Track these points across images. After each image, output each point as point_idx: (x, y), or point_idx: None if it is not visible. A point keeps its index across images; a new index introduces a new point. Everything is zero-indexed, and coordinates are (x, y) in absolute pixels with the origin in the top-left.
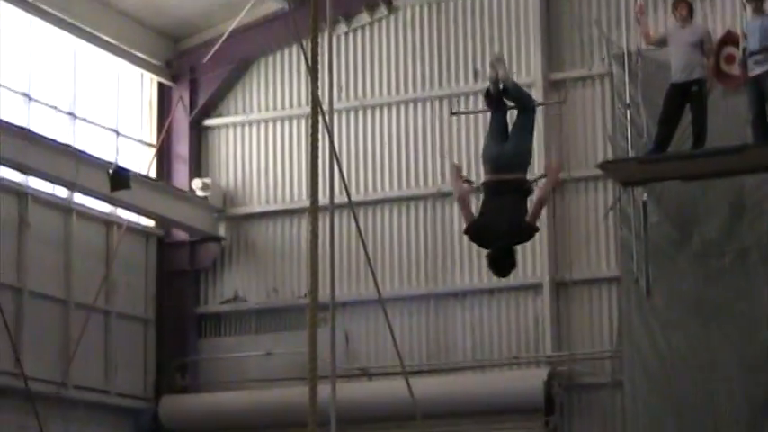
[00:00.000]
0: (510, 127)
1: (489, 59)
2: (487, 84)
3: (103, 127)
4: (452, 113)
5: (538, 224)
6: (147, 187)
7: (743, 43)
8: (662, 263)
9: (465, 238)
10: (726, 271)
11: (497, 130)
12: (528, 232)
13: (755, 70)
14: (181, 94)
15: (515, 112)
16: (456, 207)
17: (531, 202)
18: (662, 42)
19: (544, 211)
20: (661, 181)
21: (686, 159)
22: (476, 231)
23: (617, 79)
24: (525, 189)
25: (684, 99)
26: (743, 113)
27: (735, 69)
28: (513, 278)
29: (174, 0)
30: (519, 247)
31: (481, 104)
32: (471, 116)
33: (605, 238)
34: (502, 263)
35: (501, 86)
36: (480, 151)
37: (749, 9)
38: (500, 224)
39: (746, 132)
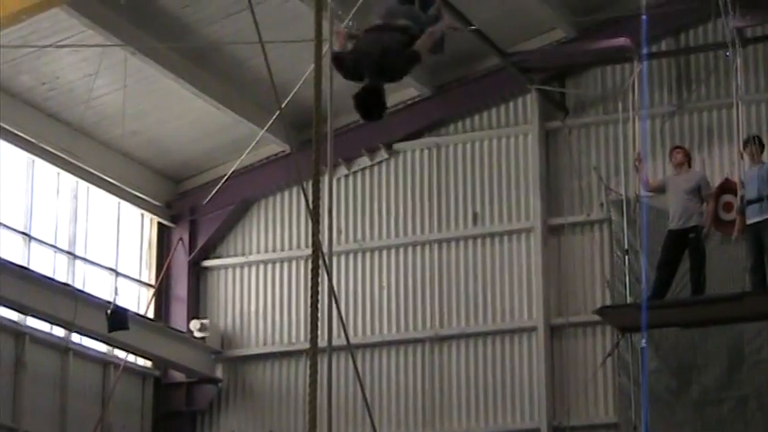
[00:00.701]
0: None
1: None
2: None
3: (103, 266)
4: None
5: (422, 54)
6: (145, 328)
7: (740, 191)
8: (660, 410)
9: (463, 382)
10: (724, 420)
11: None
12: (409, 58)
13: (753, 218)
14: (181, 235)
15: None
16: (453, 351)
17: None
18: (661, 189)
19: (537, 360)
20: (659, 327)
21: (685, 306)
22: (348, 60)
23: (615, 225)
24: (410, 34)
25: (682, 246)
26: (741, 261)
27: (733, 217)
28: (512, 423)
29: (175, 142)
30: (518, 392)
31: (479, 247)
32: (470, 261)
33: (603, 385)
34: (370, 102)
35: None
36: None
37: (746, 157)
38: (375, 49)
39: (745, 280)
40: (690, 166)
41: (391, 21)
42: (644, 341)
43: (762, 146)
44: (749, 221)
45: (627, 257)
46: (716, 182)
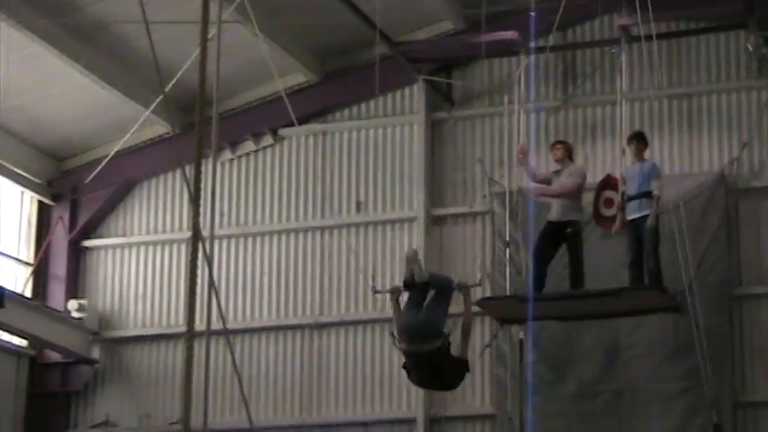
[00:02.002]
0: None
1: (406, 256)
2: (404, 280)
3: None
4: (375, 292)
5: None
6: (22, 306)
7: (622, 187)
8: (536, 402)
9: (341, 370)
10: (599, 413)
11: (415, 303)
12: (459, 371)
13: (633, 214)
14: (61, 214)
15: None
16: (332, 338)
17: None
18: (547, 181)
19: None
20: (538, 320)
21: (564, 300)
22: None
23: (497, 217)
24: (443, 349)
25: (560, 239)
26: (621, 257)
27: (613, 213)
28: (389, 412)
29: (58, 119)
30: (396, 382)
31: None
32: (352, 251)
33: (481, 375)
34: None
35: (420, 281)
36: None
37: (629, 154)
38: (430, 383)
39: (624, 276)
40: (571, 160)
41: (417, 344)
42: (521, 334)
43: (644, 143)
44: (629, 217)
45: (508, 249)
46: (598, 178)
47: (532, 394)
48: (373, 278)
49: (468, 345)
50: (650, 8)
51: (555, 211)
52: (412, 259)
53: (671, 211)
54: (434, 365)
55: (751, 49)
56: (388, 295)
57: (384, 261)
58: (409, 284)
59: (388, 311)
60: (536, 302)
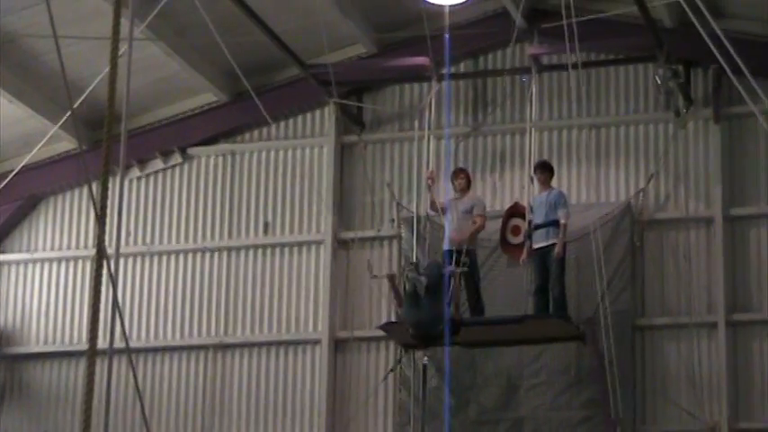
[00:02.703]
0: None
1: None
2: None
3: None
4: (372, 277)
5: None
6: None
7: (529, 216)
8: (437, 428)
9: (244, 391)
10: None
11: (412, 296)
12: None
13: (539, 243)
14: None
15: None
16: (237, 360)
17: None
18: (444, 210)
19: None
20: (440, 346)
21: (467, 326)
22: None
23: (405, 242)
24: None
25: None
26: (526, 284)
27: (520, 240)
28: None
29: None
30: (299, 404)
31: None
32: (258, 270)
33: (384, 400)
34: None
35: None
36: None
37: (536, 182)
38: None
39: (528, 303)
40: (469, 189)
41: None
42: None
43: (551, 172)
44: (535, 246)
45: None
46: (505, 205)
47: (432, 419)
48: (370, 263)
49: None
50: (564, 38)
51: (450, 240)
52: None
53: (578, 240)
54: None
55: (659, 81)
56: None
57: (290, 284)
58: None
59: (294, 333)
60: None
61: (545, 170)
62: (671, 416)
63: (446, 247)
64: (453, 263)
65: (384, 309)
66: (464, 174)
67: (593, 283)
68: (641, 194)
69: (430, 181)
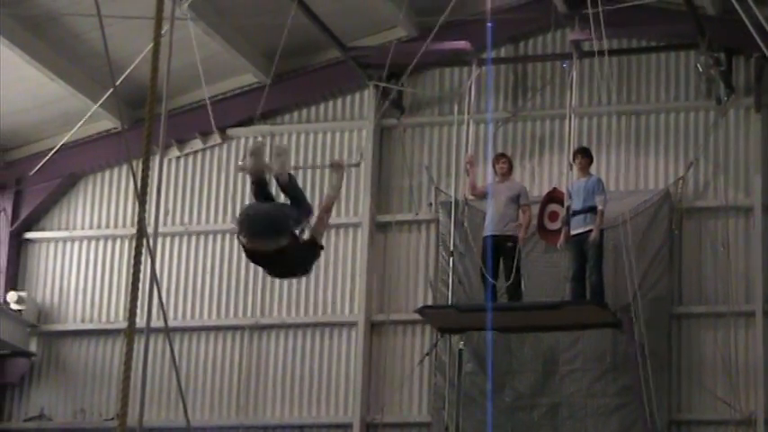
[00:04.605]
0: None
1: (251, 150)
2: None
3: None
4: (241, 170)
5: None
6: None
7: (567, 202)
8: (472, 412)
9: (279, 372)
10: (534, 425)
11: (265, 197)
12: (310, 256)
13: (577, 229)
14: (4, 206)
15: None
16: (272, 341)
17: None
18: (483, 195)
19: (355, 355)
20: (478, 330)
21: (503, 311)
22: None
23: (442, 226)
24: (290, 247)
25: (498, 252)
26: (563, 270)
27: (558, 226)
28: (326, 416)
29: (4, 110)
30: (334, 386)
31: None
32: None
33: (419, 383)
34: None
35: (282, 182)
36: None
37: (575, 169)
38: (279, 275)
39: (565, 289)
40: (511, 175)
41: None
42: (461, 344)
43: (590, 158)
44: (573, 232)
45: (452, 259)
46: (544, 191)
47: (467, 404)
48: (242, 160)
49: (323, 225)
50: (603, 24)
51: (492, 224)
52: (258, 153)
53: (616, 227)
54: (282, 262)
55: (701, 69)
56: None
57: (327, 266)
58: (259, 183)
59: (330, 316)
60: (476, 313)
61: (584, 156)
62: (706, 405)
63: (488, 232)
64: (490, 247)
65: (420, 293)
66: (506, 159)
67: (630, 269)
68: (680, 182)
69: (468, 165)
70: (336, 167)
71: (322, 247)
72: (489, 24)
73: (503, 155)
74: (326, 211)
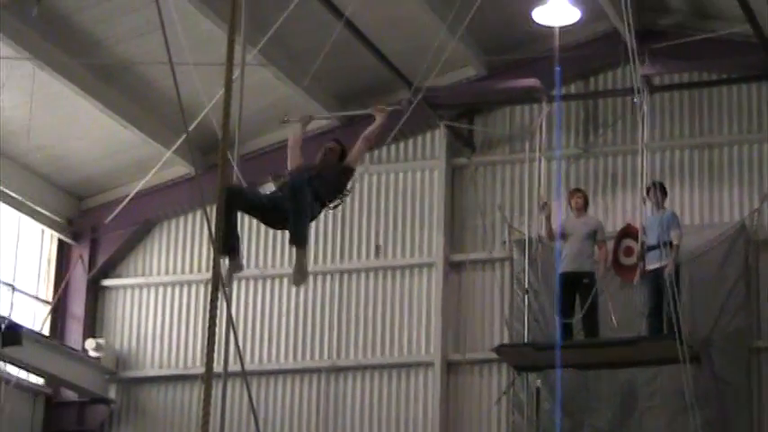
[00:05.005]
0: None
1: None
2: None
3: None
4: (283, 122)
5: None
6: (40, 345)
7: (642, 237)
8: None
9: (357, 414)
10: None
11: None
12: (345, 177)
13: (653, 264)
14: (81, 253)
15: None
16: (349, 382)
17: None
18: (562, 236)
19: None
20: (555, 368)
21: (580, 348)
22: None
23: (516, 264)
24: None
25: (576, 288)
26: (639, 306)
27: (633, 262)
28: None
29: (80, 158)
30: (412, 427)
31: (380, 280)
32: (370, 293)
33: (497, 423)
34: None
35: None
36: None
37: (649, 204)
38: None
39: (642, 325)
40: (586, 209)
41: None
42: (538, 382)
43: (664, 193)
44: (649, 267)
45: (526, 297)
46: (618, 226)
47: None
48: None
49: (360, 154)
50: (675, 58)
51: (570, 261)
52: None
53: (692, 261)
54: (322, 184)
55: None
56: None
57: (402, 307)
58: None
59: (406, 356)
60: (553, 351)
61: (659, 191)
62: None
63: (565, 268)
64: (567, 284)
65: (496, 331)
66: (581, 193)
67: (707, 303)
68: (756, 214)
69: (544, 208)
70: (380, 111)
71: (353, 171)
72: (557, 64)
73: (578, 189)
74: (365, 141)
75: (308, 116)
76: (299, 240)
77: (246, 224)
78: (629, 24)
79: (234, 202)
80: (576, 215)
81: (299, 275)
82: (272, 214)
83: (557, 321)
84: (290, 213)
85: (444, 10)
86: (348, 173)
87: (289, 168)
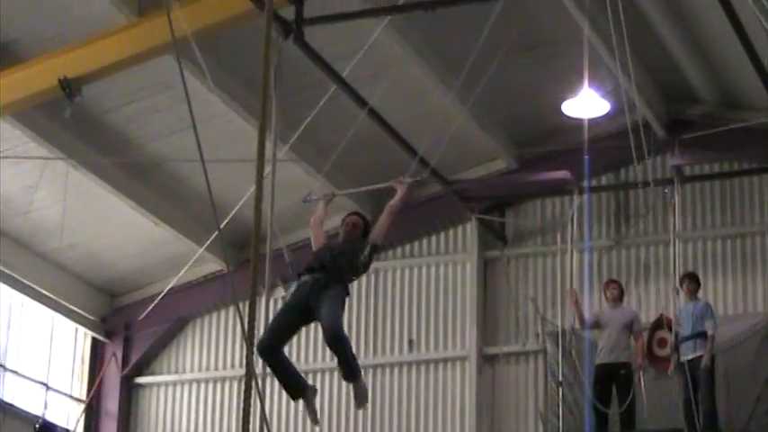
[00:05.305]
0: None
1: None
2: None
3: (33, 380)
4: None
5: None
6: None
7: (675, 327)
8: None
9: None
10: None
11: None
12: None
13: (687, 355)
14: (114, 351)
15: None
16: None
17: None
18: (595, 325)
19: None
20: None
21: None
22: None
23: (550, 356)
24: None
25: (612, 379)
26: (674, 397)
27: (667, 353)
28: None
29: (112, 256)
30: None
31: (414, 374)
32: (404, 387)
33: None
34: None
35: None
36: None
37: (682, 294)
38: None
39: (677, 417)
40: (622, 300)
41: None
42: None
43: (697, 283)
44: (683, 358)
45: (561, 389)
46: (651, 317)
47: None
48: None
49: (383, 231)
50: (705, 148)
51: (606, 352)
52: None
53: (727, 352)
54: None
55: None
56: None
57: (436, 400)
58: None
59: None
60: None
61: (691, 281)
62: None
63: (602, 360)
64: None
65: (531, 424)
66: (616, 284)
67: (743, 394)
68: None
69: (572, 302)
70: (399, 183)
71: (378, 247)
72: (586, 156)
73: (613, 280)
74: (388, 215)
75: (330, 193)
76: (351, 375)
77: None
78: (657, 115)
79: (270, 354)
80: (611, 306)
81: (358, 401)
82: (301, 322)
83: (594, 413)
84: (321, 319)
85: (476, 106)
86: (375, 249)
87: (313, 247)
